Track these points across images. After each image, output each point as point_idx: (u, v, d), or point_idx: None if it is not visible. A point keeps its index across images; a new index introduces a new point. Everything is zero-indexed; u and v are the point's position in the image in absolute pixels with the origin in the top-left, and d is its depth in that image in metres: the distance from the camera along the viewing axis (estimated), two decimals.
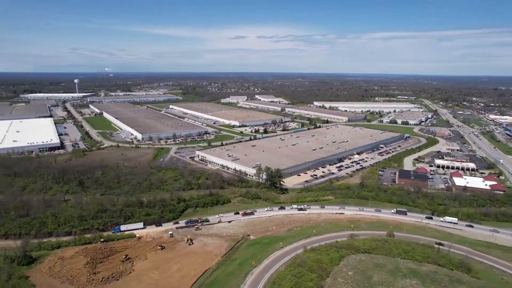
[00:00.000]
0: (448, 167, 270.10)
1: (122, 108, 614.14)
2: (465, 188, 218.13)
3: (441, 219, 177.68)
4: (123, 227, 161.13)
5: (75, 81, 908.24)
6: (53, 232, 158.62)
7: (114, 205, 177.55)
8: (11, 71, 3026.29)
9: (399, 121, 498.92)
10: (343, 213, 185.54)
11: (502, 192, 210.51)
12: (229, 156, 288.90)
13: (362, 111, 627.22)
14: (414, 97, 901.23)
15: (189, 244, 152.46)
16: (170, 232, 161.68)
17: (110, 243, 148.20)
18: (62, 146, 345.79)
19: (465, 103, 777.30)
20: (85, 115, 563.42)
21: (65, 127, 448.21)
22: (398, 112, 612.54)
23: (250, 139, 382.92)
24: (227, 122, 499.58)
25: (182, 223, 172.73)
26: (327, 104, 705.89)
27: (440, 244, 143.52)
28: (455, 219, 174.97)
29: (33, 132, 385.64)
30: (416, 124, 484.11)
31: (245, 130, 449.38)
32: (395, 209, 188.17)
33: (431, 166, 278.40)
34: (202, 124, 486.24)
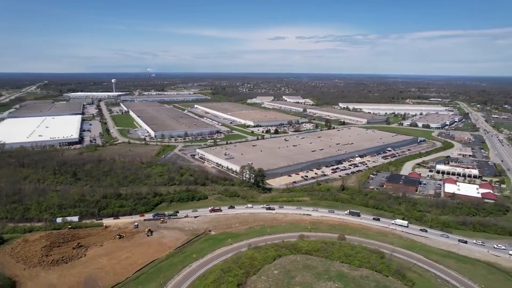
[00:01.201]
0: (448, 173, 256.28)
1: (148, 107, 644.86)
2: (453, 195, 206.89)
3: (392, 221, 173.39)
4: (58, 219, 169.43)
5: (112, 80, 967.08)
6: (34, 217, 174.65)
7: (93, 196, 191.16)
8: (63, 71, 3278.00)
9: (419, 124, 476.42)
10: (310, 214, 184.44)
11: (492, 201, 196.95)
12: (225, 155, 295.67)
13: (386, 113, 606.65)
14: (449, 99, 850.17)
15: (148, 236, 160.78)
16: (136, 223, 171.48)
17: (76, 230, 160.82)
18: (81, 141, 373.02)
19: (506, 106, 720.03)
20: (113, 113, 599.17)
21: (90, 124, 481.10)
22: (425, 114, 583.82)
23: (257, 139, 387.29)
24: (243, 122, 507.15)
25: (149, 215, 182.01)
26: (351, 106, 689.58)
27: None
28: (405, 222, 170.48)
29: (59, 128, 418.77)
30: (437, 128, 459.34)
31: (258, 130, 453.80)
32: (348, 210, 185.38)
33: (431, 171, 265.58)
34: (218, 124, 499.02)
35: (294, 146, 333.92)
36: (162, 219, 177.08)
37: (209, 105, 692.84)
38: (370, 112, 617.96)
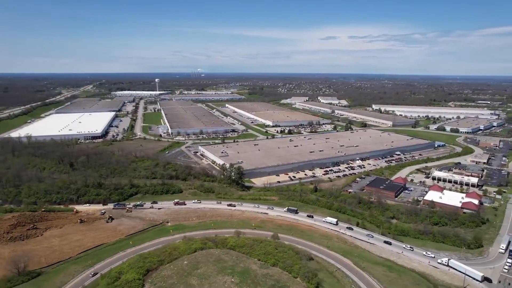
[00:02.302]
0: (445, 180, 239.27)
1: (180, 105, 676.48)
2: (432, 203, 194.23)
3: (323, 219, 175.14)
4: None
5: (156, 80, 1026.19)
6: (23, 200, 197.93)
7: (76, 183, 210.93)
8: (123, 71, 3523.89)
9: (447, 128, 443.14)
10: (267, 213, 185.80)
11: (470, 211, 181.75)
12: (222, 152, 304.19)
13: (418, 116, 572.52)
14: (500, 102, 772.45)
15: (107, 222, 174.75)
16: (103, 211, 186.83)
17: (47, 213, 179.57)
18: (105, 136, 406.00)
19: None
20: (147, 111, 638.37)
21: (121, 120, 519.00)
22: (462, 118, 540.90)
23: (267, 138, 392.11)
24: (263, 122, 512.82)
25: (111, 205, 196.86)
26: (384, 108, 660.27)
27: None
28: (334, 220, 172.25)
29: (90, 123, 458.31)
30: (467, 132, 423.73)
31: (275, 130, 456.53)
32: (287, 207, 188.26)
33: (427, 177, 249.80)
34: (238, 123, 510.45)
35: (295, 146, 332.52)
36: (127, 209, 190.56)
37: (238, 105, 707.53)
38: (402, 115, 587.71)
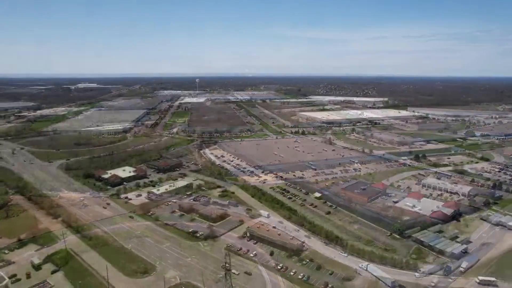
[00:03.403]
0: (434, 188, 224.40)
1: (209, 105, 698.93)
2: (401, 210, 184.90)
3: (258, 212, 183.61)
4: None
5: (196, 80, 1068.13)
6: (19, 185, 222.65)
7: (70, 173, 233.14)
8: (174, 72, 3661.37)
9: (478, 134, 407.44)
10: (227, 209, 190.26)
11: (437, 221, 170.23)
12: (220, 151, 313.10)
13: (452, 119, 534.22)
14: None
15: (79, 208, 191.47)
16: (81, 198, 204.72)
17: (34, 197, 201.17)
18: (128, 131, 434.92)
19: None
20: (179, 109, 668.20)
21: (149, 118, 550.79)
22: (505, 123, 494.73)
23: (276, 138, 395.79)
24: (283, 122, 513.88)
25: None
26: (418, 110, 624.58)
27: None
28: (266, 213, 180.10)
29: (119, 119, 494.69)
30: (498, 139, 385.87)
31: (291, 130, 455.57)
32: (228, 201, 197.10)
33: (418, 184, 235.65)
34: (258, 122, 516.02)
35: (295, 147, 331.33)
36: (104, 198, 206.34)
37: (266, 105, 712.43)
38: (434, 118, 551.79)
